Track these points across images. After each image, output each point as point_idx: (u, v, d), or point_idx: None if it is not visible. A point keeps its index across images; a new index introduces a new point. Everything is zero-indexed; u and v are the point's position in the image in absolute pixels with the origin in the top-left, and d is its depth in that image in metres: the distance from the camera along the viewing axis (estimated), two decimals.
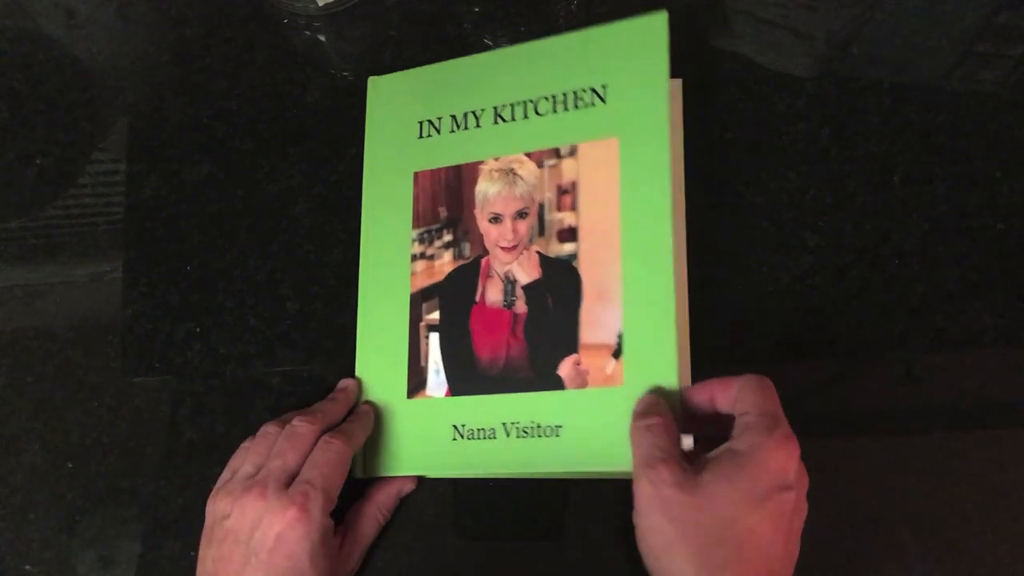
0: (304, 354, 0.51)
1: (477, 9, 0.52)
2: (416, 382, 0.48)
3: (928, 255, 0.49)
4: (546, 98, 0.49)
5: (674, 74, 0.47)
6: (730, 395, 0.40)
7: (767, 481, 0.36)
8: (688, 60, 0.51)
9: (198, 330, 0.52)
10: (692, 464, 0.37)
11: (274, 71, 0.56)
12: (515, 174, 0.49)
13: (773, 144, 0.50)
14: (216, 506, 0.42)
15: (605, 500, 0.47)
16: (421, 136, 0.51)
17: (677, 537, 0.36)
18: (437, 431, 0.46)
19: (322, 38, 0.56)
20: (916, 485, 0.46)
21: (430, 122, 0.51)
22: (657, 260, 0.44)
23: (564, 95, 0.48)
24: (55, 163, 0.57)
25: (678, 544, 0.36)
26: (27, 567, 0.46)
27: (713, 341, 0.48)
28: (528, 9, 0.52)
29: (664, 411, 0.40)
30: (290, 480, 0.42)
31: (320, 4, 0.51)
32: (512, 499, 0.47)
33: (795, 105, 0.51)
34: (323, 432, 0.44)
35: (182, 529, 0.48)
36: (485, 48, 0.52)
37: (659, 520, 0.37)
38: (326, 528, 0.41)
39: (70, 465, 0.51)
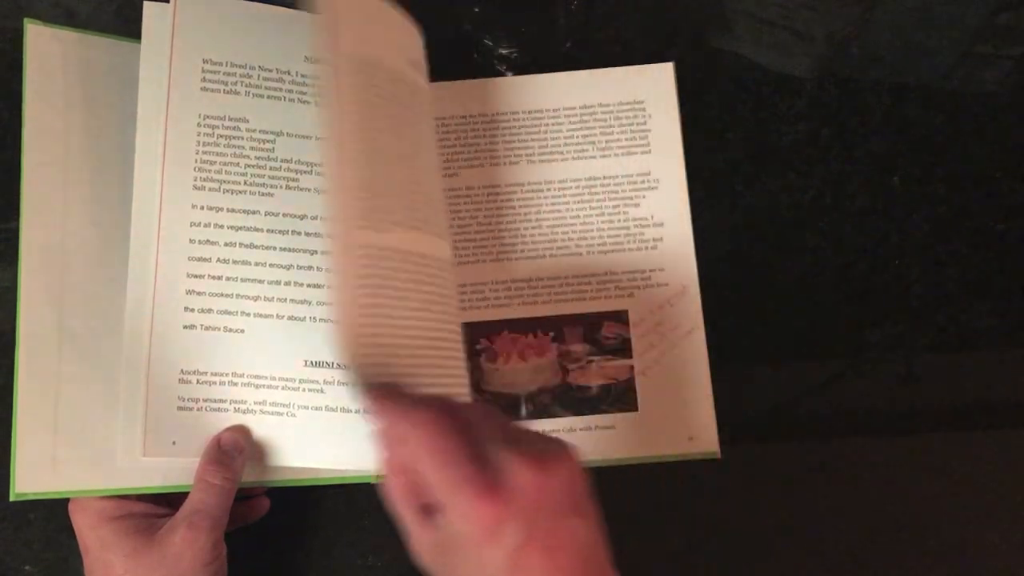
0: None
1: (477, 9, 0.52)
2: None
3: (928, 255, 0.49)
4: None
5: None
6: None
7: None
8: (688, 61, 0.51)
9: None
10: None
11: None
12: None
13: (773, 144, 0.50)
14: None
15: (604, 497, 0.47)
16: None
17: None
18: None
19: None
20: (916, 485, 0.46)
21: None
22: None
23: None
24: None
25: None
26: (27, 567, 0.46)
27: (713, 341, 0.48)
28: (528, 9, 0.52)
29: None
30: None
31: None
32: None
33: (795, 105, 0.51)
34: None
35: None
36: (486, 48, 0.52)
37: None
38: None
39: None
